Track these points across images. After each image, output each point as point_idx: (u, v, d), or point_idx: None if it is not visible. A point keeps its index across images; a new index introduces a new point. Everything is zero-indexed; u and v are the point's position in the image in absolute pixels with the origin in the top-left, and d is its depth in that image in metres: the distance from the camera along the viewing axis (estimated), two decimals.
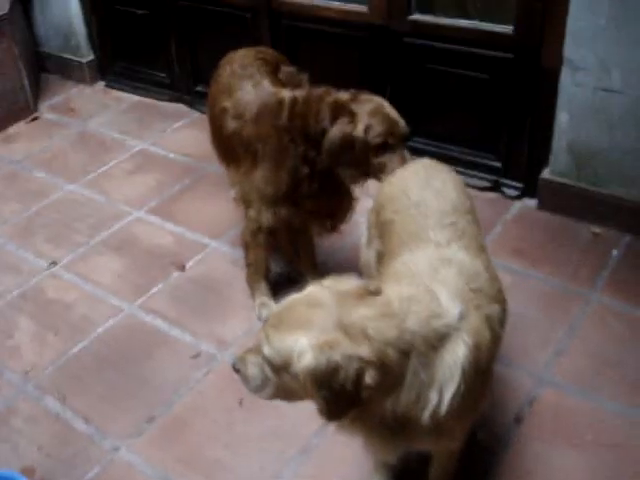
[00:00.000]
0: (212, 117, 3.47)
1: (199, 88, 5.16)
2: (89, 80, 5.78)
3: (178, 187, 4.44)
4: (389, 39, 4.08)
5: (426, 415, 1.87)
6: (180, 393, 3.05)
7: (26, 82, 5.37)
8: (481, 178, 4.11)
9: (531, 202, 4.00)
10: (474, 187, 4.06)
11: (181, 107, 5.33)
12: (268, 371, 1.89)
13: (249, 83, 3.25)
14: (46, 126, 5.31)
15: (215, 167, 4.52)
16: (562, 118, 3.67)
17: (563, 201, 3.84)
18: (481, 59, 3.83)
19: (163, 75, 5.38)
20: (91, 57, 5.75)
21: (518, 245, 3.71)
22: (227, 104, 3.27)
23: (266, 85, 3.23)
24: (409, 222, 2.31)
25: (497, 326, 2.08)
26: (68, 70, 5.85)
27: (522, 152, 3.95)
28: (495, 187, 4.09)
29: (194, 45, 5.04)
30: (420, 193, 2.39)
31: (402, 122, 2.98)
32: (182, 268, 3.75)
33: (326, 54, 4.37)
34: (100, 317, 3.49)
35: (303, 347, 1.75)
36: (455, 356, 1.86)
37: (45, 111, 5.51)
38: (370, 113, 2.94)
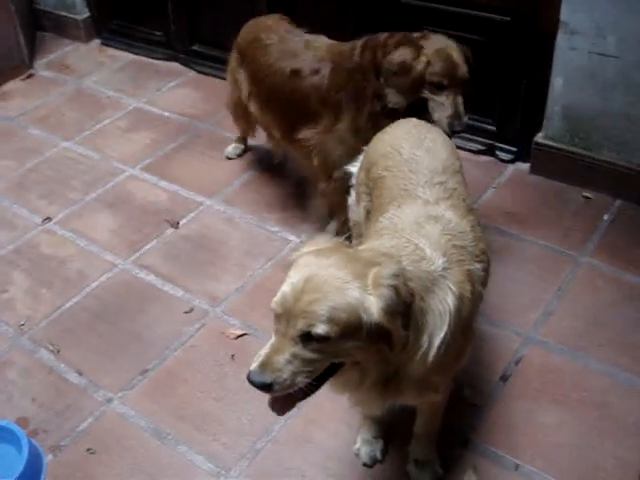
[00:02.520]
0: (275, 85, 3.42)
1: (195, 47, 5.15)
2: (85, 38, 5.75)
3: (172, 145, 4.44)
4: None
5: (415, 361, 1.90)
6: (173, 347, 3.09)
7: (22, 39, 5.34)
8: (475, 141, 4.12)
9: (524, 166, 4.02)
10: (468, 150, 4.08)
11: (177, 66, 5.31)
12: (314, 355, 1.76)
13: (311, 42, 3.37)
14: (41, 83, 5.28)
15: (210, 126, 4.56)
16: (557, 82, 3.67)
17: (556, 165, 3.86)
18: (478, 21, 3.81)
19: (159, 34, 5.35)
20: (87, 14, 5.71)
21: (510, 208, 3.74)
22: (297, 66, 3.31)
23: (326, 40, 3.37)
24: (400, 179, 2.34)
25: (478, 283, 2.12)
26: (64, 27, 5.81)
27: (516, 116, 3.96)
28: (489, 151, 4.11)
29: (191, 4, 5.00)
30: (412, 151, 2.41)
31: (464, 67, 3.07)
32: (176, 225, 3.77)
33: (323, 13, 4.35)
34: (94, 272, 3.52)
35: (363, 297, 1.73)
36: (445, 303, 1.91)
37: (40, 68, 5.48)
38: (435, 51, 3.04)
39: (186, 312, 3.25)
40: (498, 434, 2.66)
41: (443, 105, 3.08)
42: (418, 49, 3.04)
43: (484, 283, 2.21)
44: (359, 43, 3.20)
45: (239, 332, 3.11)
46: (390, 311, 1.73)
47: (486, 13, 3.79)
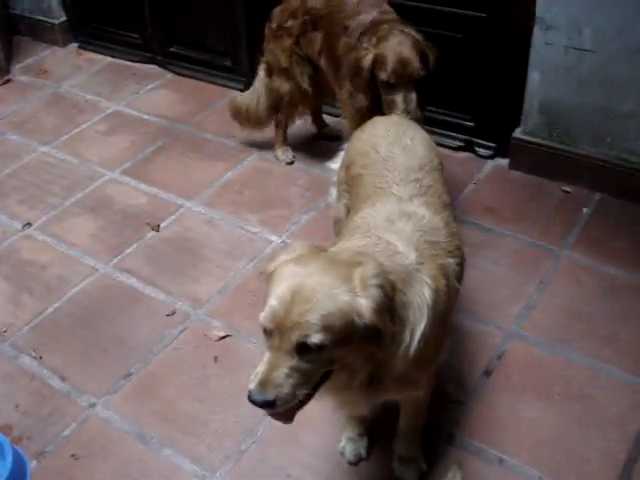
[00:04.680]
0: (337, 40, 3.48)
1: (173, 49, 5.13)
2: (61, 42, 5.73)
3: (152, 148, 4.43)
4: None
5: (398, 357, 1.90)
6: (155, 351, 3.08)
7: None
8: (454, 138, 4.14)
9: (503, 161, 4.03)
10: (447, 147, 4.10)
11: (154, 68, 5.30)
12: (311, 366, 1.75)
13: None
14: (19, 88, 5.25)
15: (189, 128, 4.55)
16: (534, 77, 3.69)
17: (535, 160, 3.88)
18: (454, 18, 3.83)
19: (136, 36, 5.34)
20: (63, 18, 5.68)
21: (490, 204, 3.75)
22: (348, 23, 3.38)
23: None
24: (376, 177, 2.35)
25: (452, 277, 2.13)
26: (40, 32, 5.79)
27: (495, 112, 3.97)
28: (468, 147, 4.12)
29: (167, 6, 4.98)
30: (389, 149, 2.42)
31: (414, 65, 3.09)
32: (156, 228, 3.75)
33: None
34: (75, 277, 3.50)
35: (353, 300, 1.72)
36: (422, 296, 1.91)
37: (18, 73, 5.45)
38: (386, 49, 3.08)
39: (168, 315, 3.24)
40: (482, 429, 2.67)
41: (394, 102, 3.11)
42: (369, 44, 3.12)
43: (459, 278, 2.23)
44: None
45: (222, 334, 3.10)
46: (380, 310, 1.73)
47: (463, 9, 3.80)
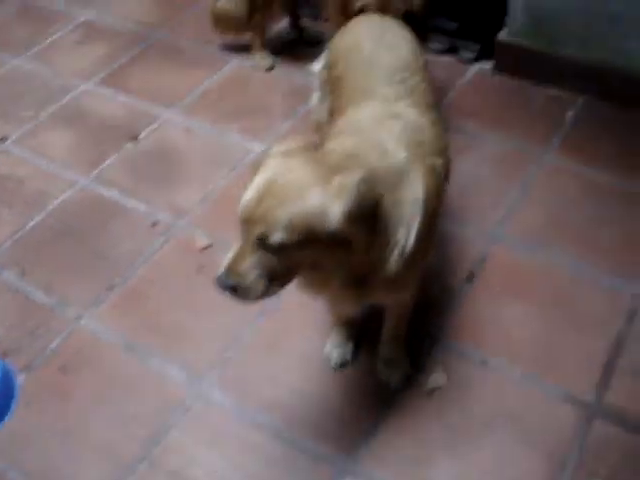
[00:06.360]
0: None
1: None
2: None
3: (127, 57, 4.31)
4: None
5: (393, 257, 1.90)
6: (138, 262, 3.07)
7: None
8: (437, 41, 4.04)
9: (487, 65, 3.95)
10: (429, 50, 4.00)
11: None
12: (275, 261, 1.74)
13: None
14: None
15: (165, 35, 4.43)
16: None
17: (519, 63, 3.80)
18: None
19: None
20: None
21: (474, 108, 3.70)
22: None
23: None
24: (359, 77, 2.30)
25: (440, 178, 2.12)
26: None
27: (479, 13, 3.88)
28: (451, 50, 4.03)
29: None
30: (373, 49, 2.37)
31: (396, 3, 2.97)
32: (135, 139, 3.69)
33: None
34: (54, 190, 3.45)
35: (323, 203, 1.68)
36: (416, 193, 1.92)
37: None
38: None
39: (150, 226, 3.22)
40: (465, 331, 2.69)
41: None
42: None
43: (446, 178, 2.22)
44: None
45: (205, 244, 3.09)
46: (351, 218, 1.69)
47: None
